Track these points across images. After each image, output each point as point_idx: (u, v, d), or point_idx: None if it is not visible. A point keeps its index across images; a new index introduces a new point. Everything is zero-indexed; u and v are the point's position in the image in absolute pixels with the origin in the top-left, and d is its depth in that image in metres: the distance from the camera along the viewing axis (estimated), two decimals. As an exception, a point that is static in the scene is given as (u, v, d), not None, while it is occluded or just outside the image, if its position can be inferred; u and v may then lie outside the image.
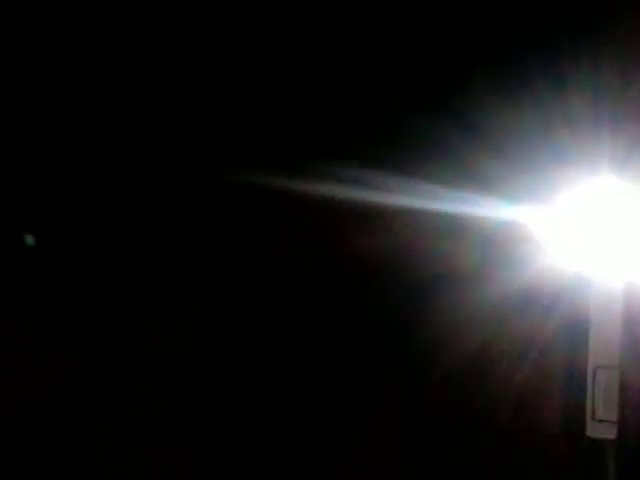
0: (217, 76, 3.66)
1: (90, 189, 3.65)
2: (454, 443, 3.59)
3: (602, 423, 3.45)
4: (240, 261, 3.64)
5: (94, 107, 3.63)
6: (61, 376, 3.48)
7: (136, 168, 3.64)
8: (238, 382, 3.61)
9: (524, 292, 3.51)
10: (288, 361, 3.60)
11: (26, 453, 3.45)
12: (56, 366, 3.49)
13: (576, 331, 3.57)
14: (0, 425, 3.45)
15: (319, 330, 3.60)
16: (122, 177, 3.64)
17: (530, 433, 3.56)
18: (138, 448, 3.48)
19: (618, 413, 3.48)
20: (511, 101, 3.61)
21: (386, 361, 3.60)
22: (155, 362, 3.56)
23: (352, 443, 3.57)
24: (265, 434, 3.57)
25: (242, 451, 3.57)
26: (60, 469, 3.44)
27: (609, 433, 3.46)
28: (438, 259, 3.57)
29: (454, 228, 3.55)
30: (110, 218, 3.65)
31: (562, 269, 3.57)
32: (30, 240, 3.58)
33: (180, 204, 3.64)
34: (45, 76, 3.62)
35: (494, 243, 3.56)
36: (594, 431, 3.47)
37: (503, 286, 3.51)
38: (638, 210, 3.56)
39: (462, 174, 3.57)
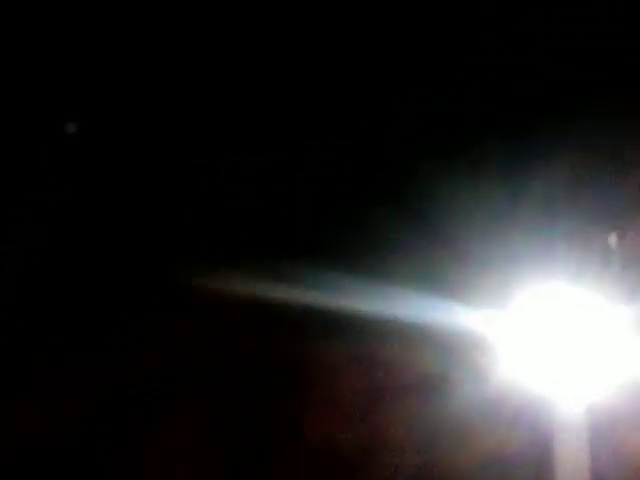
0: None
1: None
2: None
3: None
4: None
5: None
6: None
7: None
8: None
9: (483, 405, 3.44)
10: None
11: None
12: None
13: (539, 450, 3.45)
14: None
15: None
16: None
17: None
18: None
19: None
20: (467, 204, 3.59)
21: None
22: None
23: None
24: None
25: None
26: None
27: None
28: (397, 366, 3.53)
29: (413, 334, 3.49)
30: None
31: (521, 381, 3.48)
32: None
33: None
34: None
35: (452, 350, 3.50)
36: None
37: (463, 397, 3.46)
38: (596, 316, 3.48)
39: (421, 278, 3.54)
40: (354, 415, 3.52)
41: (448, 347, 3.48)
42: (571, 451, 3.38)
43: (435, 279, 3.53)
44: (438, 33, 3.69)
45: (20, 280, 3.60)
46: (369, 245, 3.58)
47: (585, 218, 3.59)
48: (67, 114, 3.65)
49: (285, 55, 3.66)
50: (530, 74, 3.67)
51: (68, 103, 3.65)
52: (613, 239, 3.60)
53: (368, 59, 3.66)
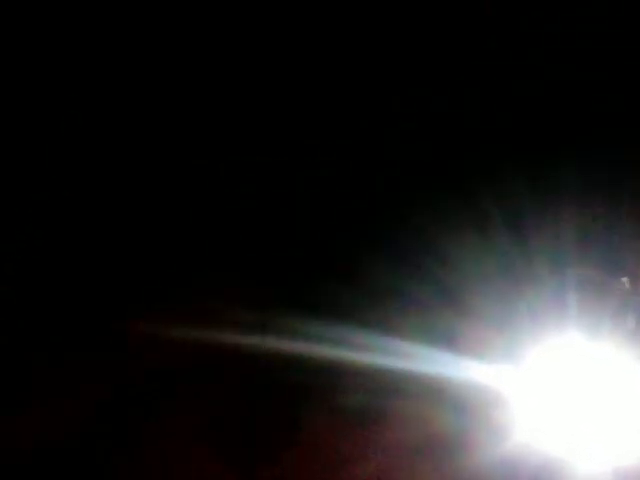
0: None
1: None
2: None
3: None
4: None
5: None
6: None
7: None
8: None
9: (499, 464, 3.36)
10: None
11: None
12: None
13: None
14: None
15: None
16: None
17: None
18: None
19: None
20: (477, 258, 3.56)
21: None
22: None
23: None
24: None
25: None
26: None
27: None
28: (413, 425, 3.46)
29: (424, 389, 3.44)
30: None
31: (538, 437, 3.42)
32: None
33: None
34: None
35: (465, 406, 3.44)
36: None
37: (477, 455, 3.38)
38: (614, 371, 3.43)
39: (431, 334, 3.50)
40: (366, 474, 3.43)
41: (460, 402, 3.43)
42: None
43: (446, 334, 3.50)
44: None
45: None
46: (376, 299, 3.55)
47: (598, 267, 3.57)
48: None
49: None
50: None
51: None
52: (628, 287, 3.57)
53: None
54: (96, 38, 3.61)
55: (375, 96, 3.71)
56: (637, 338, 3.47)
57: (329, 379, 3.46)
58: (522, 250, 3.54)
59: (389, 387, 3.43)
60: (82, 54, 3.61)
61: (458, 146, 3.68)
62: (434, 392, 3.41)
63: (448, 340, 3.46)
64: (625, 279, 3.57)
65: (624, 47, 3.66)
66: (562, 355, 3.46)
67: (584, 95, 3.66)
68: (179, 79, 3.69)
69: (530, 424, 3.40)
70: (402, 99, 3.68)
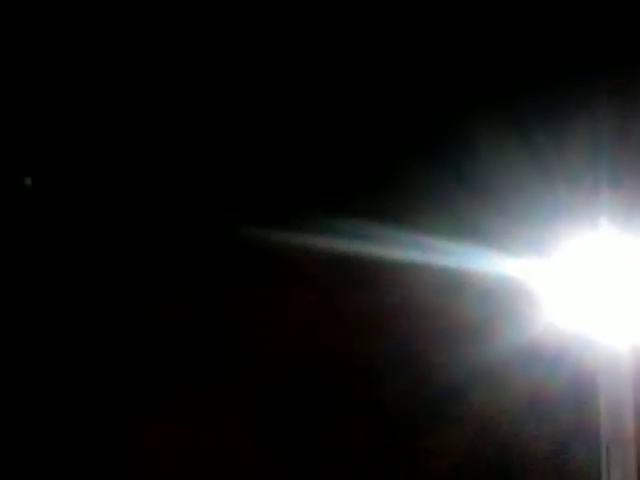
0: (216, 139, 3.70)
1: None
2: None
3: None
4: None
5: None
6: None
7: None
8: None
9: (525, 350, 3.44)
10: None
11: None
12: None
13: (582, 394, 3.42)
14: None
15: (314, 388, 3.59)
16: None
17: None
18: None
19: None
20: (510, 154, 3.53)
21: (387, 419, 3.57)
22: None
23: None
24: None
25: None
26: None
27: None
28: (437, 315, 3.55)
29: (454, 282, 3.52)
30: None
31: (564, 327, 3.46)
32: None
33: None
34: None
35: (494, 298, 3.51)
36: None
37: (504, 343, 3.46)
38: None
39: (461, 227, 3.55)
40: (393, 360, 3.56)
41: (490, 294, 3.50)
42: (615, 393, 3.36)
43: (478, 229, 3.53)
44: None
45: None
46: (410, 197, 3.59)
47: (633, 162, 3.51)
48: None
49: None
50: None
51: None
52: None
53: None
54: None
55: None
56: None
57: (365, 274, 3.58)
58: (556, 145, 3.51)
59: (420, 281, 3.52)
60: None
61: (494, 53, 3.65)
62: (462, 285, 3.50)
63: (480, 235, 3.51)
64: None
65: None
66: (593, 248, 3.46)
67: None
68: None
69: (557, 312, 3.46)
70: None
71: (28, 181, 3.60)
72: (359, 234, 3.52)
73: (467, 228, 3.53)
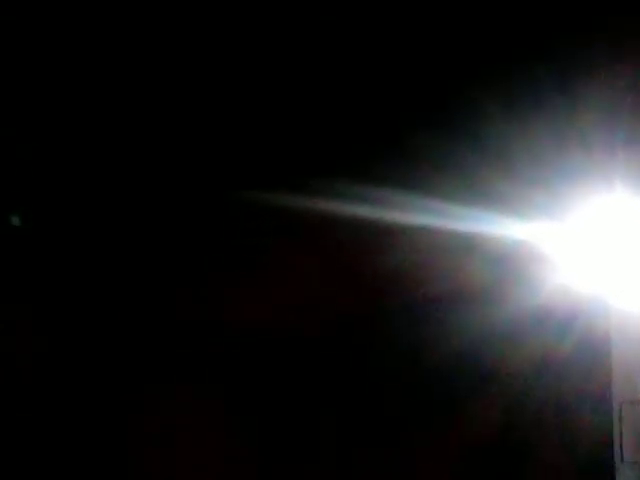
0: (224, 92, 3.64)
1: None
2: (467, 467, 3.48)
3: (633, 466, 3.17)
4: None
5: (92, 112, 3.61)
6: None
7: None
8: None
9: (538, 312, 3.42)
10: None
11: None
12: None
13: (595, 355, 3.40)
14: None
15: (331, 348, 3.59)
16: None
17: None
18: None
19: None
20: (522, 117, 3.49)
21: (396, 382, 3.58)
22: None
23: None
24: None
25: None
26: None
27: (640, 478, 3.17)
28: (450, 277, 3.53)
29: (466, 246, 3.50)
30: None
31: (577, 289, 3.45)
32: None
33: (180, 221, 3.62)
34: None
35: (506, 261, 3.48)
36: (624, 476, 3.17)
37: (516, 305, 3.43)
38: None
39: (473, 191, 3.51)
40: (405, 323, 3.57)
41: (501, 258, 3.48)
42: (628, 355, 3.37)
43: (490, 193, 3.50)
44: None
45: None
46: (418, 161, 3.53)
47: None
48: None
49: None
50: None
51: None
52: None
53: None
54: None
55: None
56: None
57: (369, 238, 3.55)
58: (570, 106, 3.46)
59: (429, 244, 3.49)
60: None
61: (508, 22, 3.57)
62: (473, 248, 3.48)
63: (492, 199, 3.48)
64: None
65: None
66: (607, 214, 3.45)
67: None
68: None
69: (569, 275, 3.45)
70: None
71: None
72: (370, 199, 3.49)
73: (479, 192, 3.49)
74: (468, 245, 3.49)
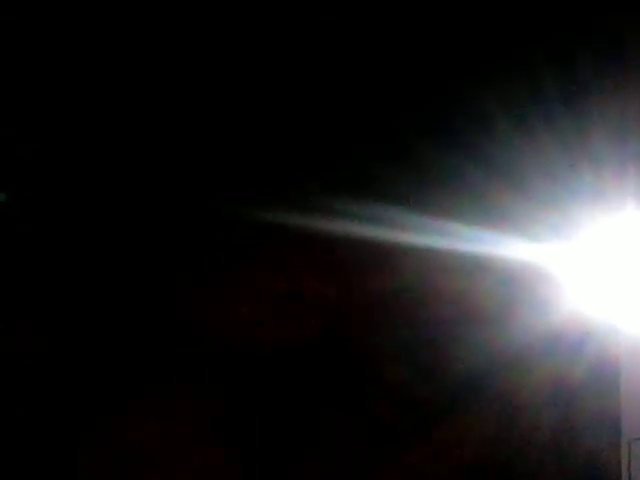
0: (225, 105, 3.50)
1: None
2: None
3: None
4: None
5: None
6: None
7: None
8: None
9: (548, 337, 3.36)
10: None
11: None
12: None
13: (604, 383, 3.36)
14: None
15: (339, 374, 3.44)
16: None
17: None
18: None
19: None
20: (531, 134, 3.41)
21: (406, 403, 3.45)
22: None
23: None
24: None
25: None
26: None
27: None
28: (457, 299, 3.43)
29: (473, 267, 3.40)
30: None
31: (587, 312, 3.38)
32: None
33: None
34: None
35: (515, 283, 3.40)
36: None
37: (526, 329, 3.36)
38: None
39: (481, 211, 3.42)
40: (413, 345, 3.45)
41: (510, 279, 3.40)
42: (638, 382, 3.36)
43: (498, 213, 3.42)
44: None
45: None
46: (427, 180, 3.45)
47: None
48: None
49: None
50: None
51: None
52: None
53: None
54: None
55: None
56: None
57: (380, 258, 3.43)
58: (580, 126, 3.42)
59: (437, 265, 3.41)
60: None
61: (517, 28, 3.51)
62: (481, 269, 3.40)
63: (500, 219, 3.41)
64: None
65: None
66: (618, 233, 3.41)
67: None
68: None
69: (579, 298, 3.40)
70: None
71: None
72: (378, 218, 3.38)
73: (487, 212, 3.41)
74: (476, 266, 3.40)
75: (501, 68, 3.47)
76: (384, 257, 3.41)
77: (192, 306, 3.42)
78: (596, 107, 3.41)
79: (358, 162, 3.48)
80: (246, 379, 3.41)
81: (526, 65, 3.45)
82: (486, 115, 3.41)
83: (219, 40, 3.40)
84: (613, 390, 3.32)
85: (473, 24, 3.45)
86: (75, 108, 3.43)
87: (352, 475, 3.37)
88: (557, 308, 3.37)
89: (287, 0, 3.41)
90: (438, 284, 3.41)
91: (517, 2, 3.46)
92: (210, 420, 3.34)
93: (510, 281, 3.38)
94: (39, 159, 3.43)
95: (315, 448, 3.38)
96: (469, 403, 3.38)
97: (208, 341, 3.40)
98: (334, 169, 3.48)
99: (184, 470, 3.33)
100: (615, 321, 3.35)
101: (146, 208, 3.44)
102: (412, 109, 3.50)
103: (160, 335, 3.40)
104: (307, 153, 3.47)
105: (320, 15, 3.43)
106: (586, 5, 3.46)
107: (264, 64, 3.44)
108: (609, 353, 3.35)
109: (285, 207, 3.36)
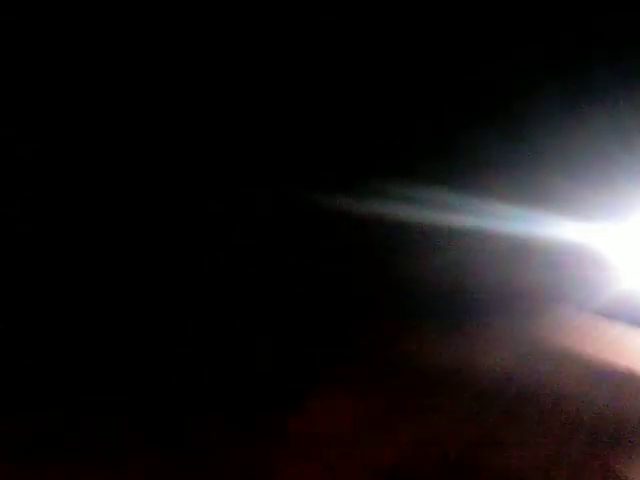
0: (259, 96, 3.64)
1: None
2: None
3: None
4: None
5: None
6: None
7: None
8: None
9: (598, 317, 3.35)
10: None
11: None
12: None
13: None
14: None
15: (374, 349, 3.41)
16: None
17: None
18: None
19: None
20: (582, 117, 3.43)
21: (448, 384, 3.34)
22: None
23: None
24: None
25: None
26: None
27: None
28: (509, 280, 3.44)
29: (525, 249, 3.44)
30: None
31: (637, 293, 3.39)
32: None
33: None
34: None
35: (565, 265, 3.42)
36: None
37: (576, 310, 3.38)
38: None
39: (533, 193, 3.45)
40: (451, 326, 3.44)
41: (553, 260, 3.43)
42: None
43: (549, 196, 3.45)
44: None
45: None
46: (478, 163, 3.49)
47: None
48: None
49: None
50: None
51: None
52: None
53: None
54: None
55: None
56: None
57: (426, 240, 3.50)
58: (632, 107, 3.45)
59: (482, 247, 3.46)
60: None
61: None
62: (527, 250, 3.43)
63: (550, 200, 3.44)
64: None
65: None
66: None
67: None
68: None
69: (629, 280, 3.42)
70: None
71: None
72: (424, 201, 3.44)
73: (538, 194, 3.43)
74: (529, 248, 3.43)
75: (552, 55, 3.51)
76: (435, 239, 3.46)
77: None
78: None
79: (409, 147, 3.55)
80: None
81: (576, 50, 3.49)
82: (535, 97, 3.45)
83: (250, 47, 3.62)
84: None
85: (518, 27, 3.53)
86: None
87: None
88: (609, 288, 3.38)
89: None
90: (491, 265, 3.42)
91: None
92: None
93: (563, 261, 3.40)
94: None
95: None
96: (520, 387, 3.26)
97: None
98: (377, 155, 3.54)
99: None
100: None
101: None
102: (459, 94, 3.56)
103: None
104: (366, 141, 3.54)
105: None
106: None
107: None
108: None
109: (341, 193, 3.48)
